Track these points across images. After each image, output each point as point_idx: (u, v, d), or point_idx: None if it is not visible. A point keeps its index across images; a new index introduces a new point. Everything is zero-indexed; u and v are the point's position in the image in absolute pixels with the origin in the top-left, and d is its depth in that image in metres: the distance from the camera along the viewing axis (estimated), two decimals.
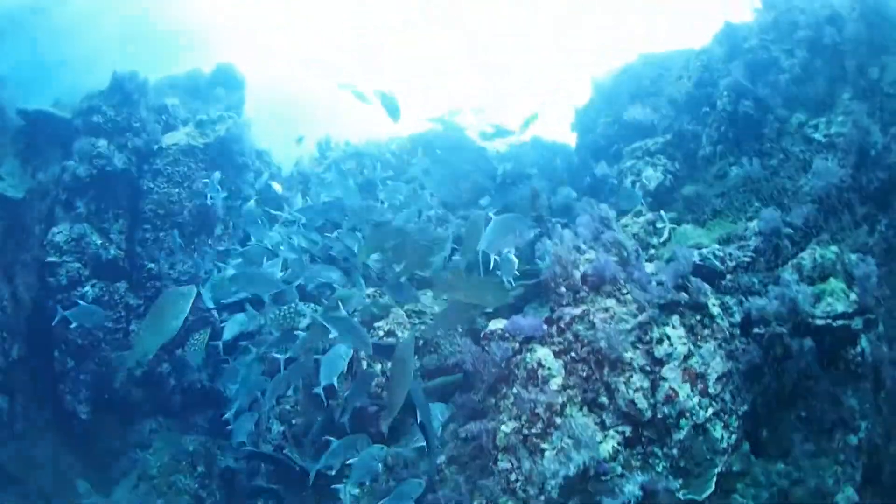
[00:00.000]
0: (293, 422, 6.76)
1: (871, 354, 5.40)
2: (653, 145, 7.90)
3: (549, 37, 18.41)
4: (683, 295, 5.41)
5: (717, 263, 5.74)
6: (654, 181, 7.53)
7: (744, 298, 5.71)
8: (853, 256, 5.77)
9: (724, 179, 7.08)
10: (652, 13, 17.80)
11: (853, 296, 5.54)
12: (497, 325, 5.62)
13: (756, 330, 5.53)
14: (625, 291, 5.34)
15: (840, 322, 5.46)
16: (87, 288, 7.91)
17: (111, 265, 8.10)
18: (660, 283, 5.32)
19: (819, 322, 5.45)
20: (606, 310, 5.19)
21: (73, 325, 6.72)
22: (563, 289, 5.33)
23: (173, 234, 8.18)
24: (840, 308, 5.49)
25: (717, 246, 5.84)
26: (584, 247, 5.71)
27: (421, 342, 6.51)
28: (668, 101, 8.38)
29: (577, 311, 5.19)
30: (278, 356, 5.93)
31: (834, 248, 5.89)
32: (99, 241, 8.07)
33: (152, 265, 8.27)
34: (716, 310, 5.54)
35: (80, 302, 7.14)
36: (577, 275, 5.31)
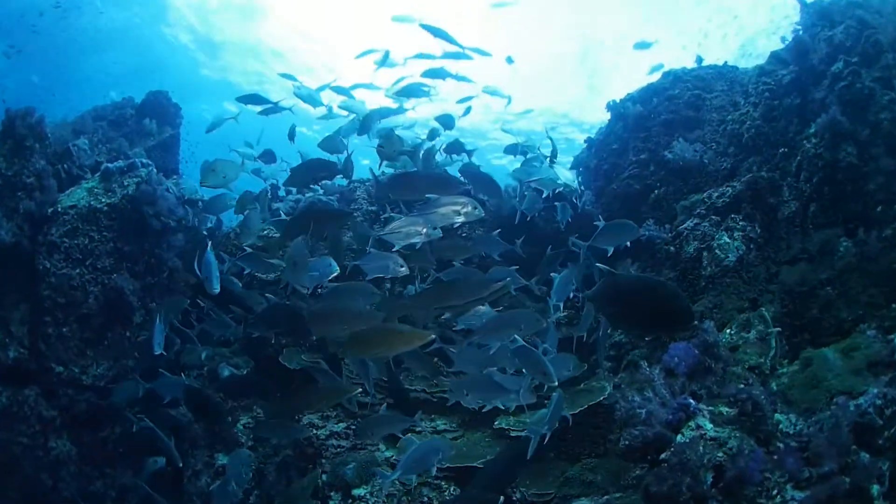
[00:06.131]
0: None
1: None
2: (719, 199, 6.02)
3: None
4: (844, 481, 3.61)
5: (877, 418, 3.93)
6: (732, 253, 5.66)
7: None
8: None
9: (829, 257, 5.27)
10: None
11: None
12: None
13: None
14: (773, 491, 3.47)
15: None
16: None
17: (15, 368, 6.06)
18: (821, 477, 3.48)
19: None
20: None
21: None
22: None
23: None
24: None
25: (874, 391, 4.01)
26: (692, 403, 3.82)
27: None
28: (729, 135, 6.53)
29: None
30: None
31: None
32: None
33: (61, 368, 6.13)
34: (875, 488, 3.76)
35: None
36: (709, 479, 3.41)
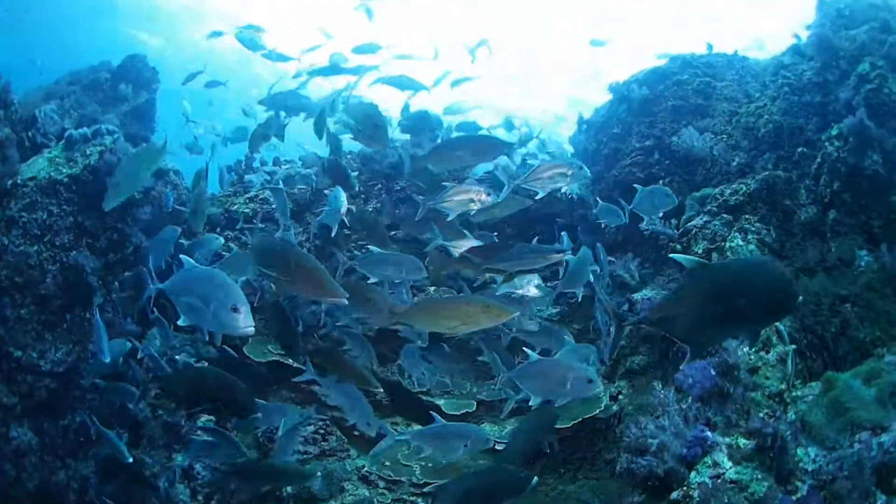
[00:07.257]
0: None
1: None
2: (732, 196, 5.67)
3: None
4: None
5: None
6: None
7: None
8: None
9: (848, 271, 4.99)
10: None
11: None
12: None
13: None
14: None
15: None
16: None
17: None
18: None
19: None
20: None
21: None
22: None
23: None
24: None
25: None
26: (709, 436, 3.52)
27: None
28: (743, 128, 6.16)
29: None
30: None
31: None
32: None
33: (19, 353, 5.65)
34: None
35: None
36: None
